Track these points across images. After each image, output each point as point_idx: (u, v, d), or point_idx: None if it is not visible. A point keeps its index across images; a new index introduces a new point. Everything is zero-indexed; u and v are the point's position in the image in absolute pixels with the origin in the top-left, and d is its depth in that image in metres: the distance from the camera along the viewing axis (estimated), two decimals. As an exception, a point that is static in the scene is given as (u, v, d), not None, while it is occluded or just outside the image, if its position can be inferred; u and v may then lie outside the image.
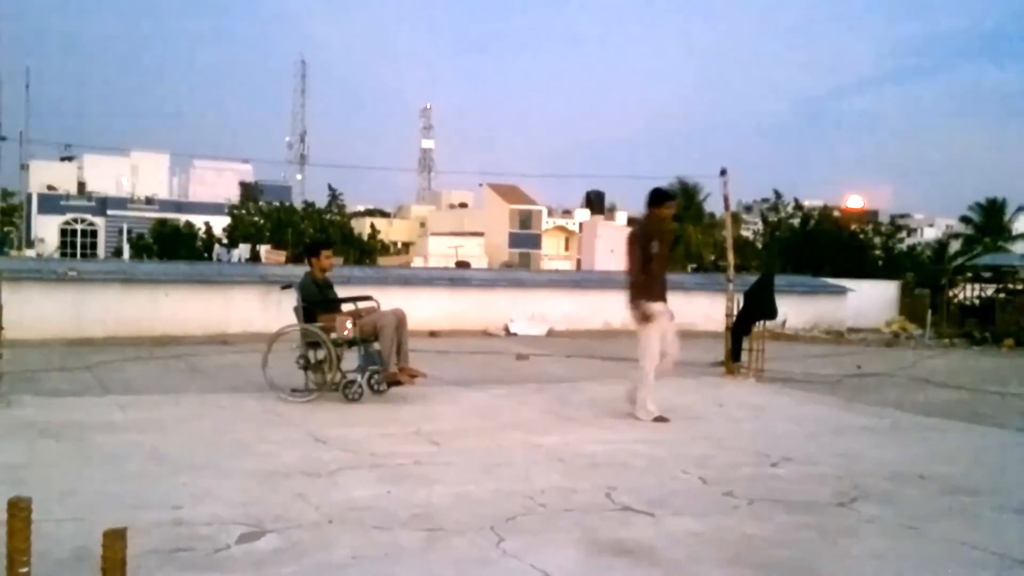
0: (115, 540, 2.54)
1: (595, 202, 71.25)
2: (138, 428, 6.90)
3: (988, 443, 7.47)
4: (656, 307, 7.95)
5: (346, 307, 8.84)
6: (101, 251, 58.02)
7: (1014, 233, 51.73)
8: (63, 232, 60.28)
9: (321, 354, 8.41)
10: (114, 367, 10.70)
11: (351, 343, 8.44)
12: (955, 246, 36.38)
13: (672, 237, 8.70)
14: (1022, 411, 9.21)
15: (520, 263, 53.54)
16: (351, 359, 8.60)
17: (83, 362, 10.90)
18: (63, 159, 63.93)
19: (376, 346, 8.46)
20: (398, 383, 8.45)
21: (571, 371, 11.70)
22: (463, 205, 72.35)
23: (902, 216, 36.54)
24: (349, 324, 8.38)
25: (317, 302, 8.67)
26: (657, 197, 8.31)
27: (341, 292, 9.13)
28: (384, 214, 72.27)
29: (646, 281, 7.96)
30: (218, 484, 5.25)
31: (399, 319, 8.50)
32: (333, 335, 8.33)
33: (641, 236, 8.24)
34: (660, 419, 7.79)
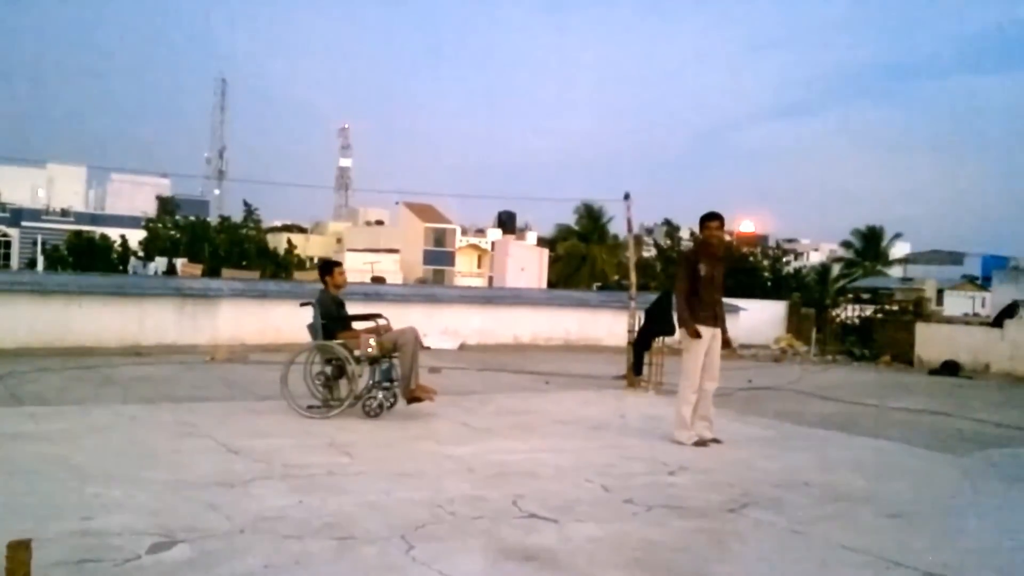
0: (19, 551, 2.43)
1: (507, 222, 71.54)
2: (49, 439, 6.61)
3: (866, 452, 7.71)
4: (701, 330, 7.56)
5: (358, 324, 8.68)
6: (15, 262, 55.69)
7: (891, 258, 53.98)
8: (-25, 242, 57.63)
9: (336, 371, 8.26)
10: (26, 378, 10.25)
11: (372, 360, 8.26)
12: (837, 269, 37.58)
13: (722, 256, 8.26)
14: (897, 422, 9.55)
15: (434, 279, 53.30)
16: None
17: (-7, 373, 10.41)
18: (-24, 170, 61.20)
19: (385, 363, 8.32)
20: (418, 400, 8.30)
21: (482, 384, 11.68)
22: (379, 222, 71.78)
23: (790, 241, 37.72)
24: (372, 341, 8.21)
25: (337, 319, 8.49)
26: (701, 219, 7.91)
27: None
28: (301, 230, 71.11)
29: (694, 303, 7.61)
30: (129, 494, 5.06)
31: (416, 337, 8.37)
32: (356, 352, 8.16)
33: (687, 258, 8.10)
34: (700, 443, 7.47)
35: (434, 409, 8.67)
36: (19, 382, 9.86)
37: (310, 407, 8.24)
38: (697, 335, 7.53)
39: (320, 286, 8.96)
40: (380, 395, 8.28)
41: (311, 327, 8.53)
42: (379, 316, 8.86)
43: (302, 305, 8.73)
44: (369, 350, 8.18)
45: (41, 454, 6.06)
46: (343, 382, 8.35)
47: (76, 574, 3.74)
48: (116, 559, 3.95)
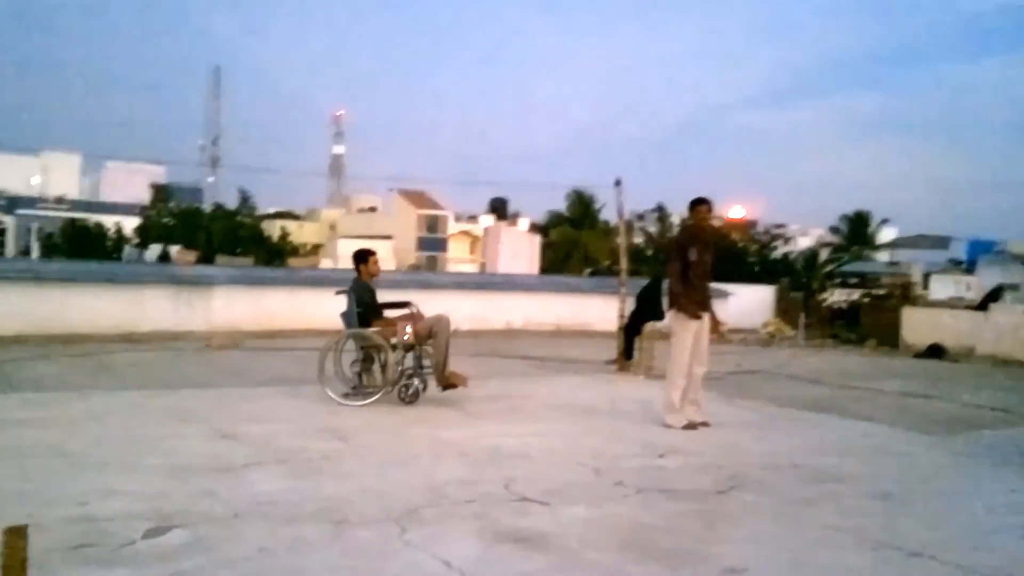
0: (16, 537, 2.43)
1: (499, 209, 71.58)
2: (45, 425, 6.59)
3: (853, 434, 7.74)
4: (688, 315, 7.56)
5: (388, 312, 8.65)
6: (10, 250, 55.43)
7: (877, 243, 54.10)
8: (-30, 230, 57.27)
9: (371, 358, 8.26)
10: (22, 365, 10.22)
11: (408, 347, 8.24)
12: (825, 254, 37.65)
13: (712, 241, 8.19)
14: (883, 405, 9.59)
15: (427, 266, 53.21)
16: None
17: (-11, 360, 10.38)
18: (-30, 158, 60.81)
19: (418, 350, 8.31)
20: (453, 386, 8.29)
21: (475, 369, 11.65)
22: (372, 209, 71.53)
23: (779, 226, 37.65)
24: (409, 329, 8.19)
25: (373, 307, 8.46)
26: (691, 204, 7.91)
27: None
28: (295, 217, 70.91)
29: (684, 289, 7.61)
30: (125, 480, 5.06)
31: (448, 324, 8.36)
32: (393, 339, 8.13)
33: (677, 244, 8.07)
34: (690, 426, 7.46)
35: (427, 394, 8.68)
36: (15, 369, 9.83)
37: (347, 394, 8.23)
38: (697, 316, 7.55)
39: (354, 274, 8.82)
40: (416, 382, 8.28)
41: (344, 315, 8.48)
42: (409, 304, 8.83)
43: (337, 293, 8.67)
44: (406, 337, 8.17)
45: (37, 440, 6.04)
46: (377, 369, 8.31)
47: (73, 559, 3.74)
48: (112, 544, 3.95)
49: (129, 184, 63.39)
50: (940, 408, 9.59)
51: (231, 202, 46.34)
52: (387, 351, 8.13)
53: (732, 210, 37.01)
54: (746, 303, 21.86)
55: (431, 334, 8.25)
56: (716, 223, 34.59)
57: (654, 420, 7.76)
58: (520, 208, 72.00)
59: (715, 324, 7.90)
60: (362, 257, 8.84)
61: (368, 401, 8.06)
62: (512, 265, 45.17)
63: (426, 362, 8.35)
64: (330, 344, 8.56)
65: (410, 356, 8.34)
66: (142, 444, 6.09)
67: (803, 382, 11.47)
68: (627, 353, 11.75)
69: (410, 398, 8.18)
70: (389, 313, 8.65)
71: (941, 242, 58.64)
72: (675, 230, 36.74)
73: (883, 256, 50.26)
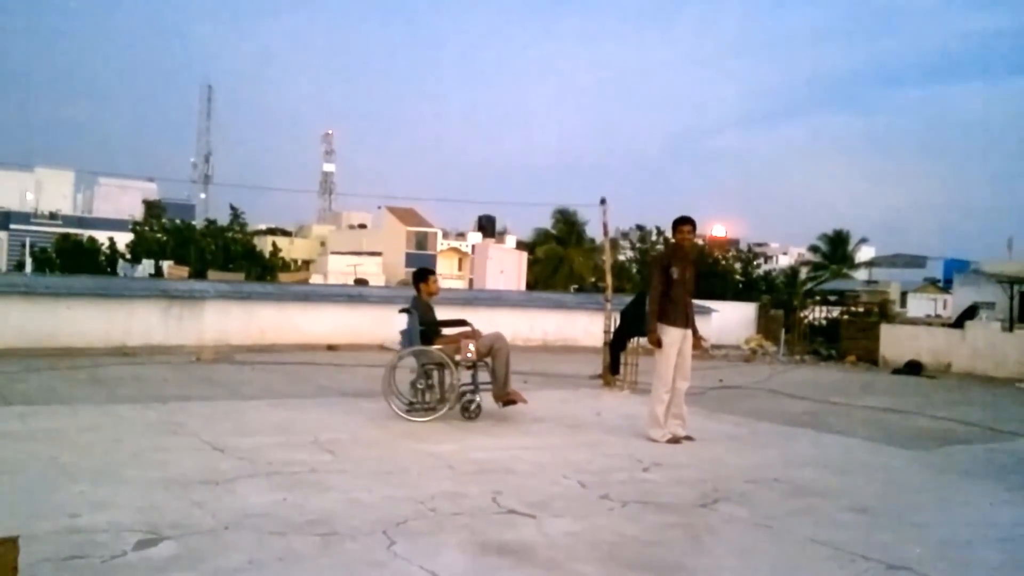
0: (7, 548, 2.40)
1: (486, 226, 71.61)
2: (37, 438, 6.53)
3: (833, 449, 7.76)
4: (671, 332, 7.60)
5: (446, 330, 8.66)
6: (3, 264, 55.03)
7: (856, 262, 54.35)
8: (-37, 245, 56.85)
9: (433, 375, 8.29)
10: (14, 378, 10.13)
11: (470, 364, 8.25)
12: (805, 272, 37.83)
13: (693, 258, 8.20)
14: (862, 420, 9.62)
15: (415, 282, 53.18)
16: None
17: (-20, 373, 10.29)
18: (-35, 174, 60.40)
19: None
20: (513, 402, 8.33)
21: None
22: (362, 226, 71.49)
23: (760, 244, 37.85)
24: (472, 347, 8.19)
25: (435, 324, 8.49)
26: (674, 223, 7.95)
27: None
28: (286, 233, 70.75)
29: (664, 306, 7.63)
30: (116, 492, 5.01)
31: (507, 342, 8.43)
32: (457, 357, 8.14)
33: (659, 262, 8.10)
34: (674, 440, 7.50)
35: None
36: (7, 382, 9.74)
37: (410, 411, 8.23)
38: (658, 344, 7.61)
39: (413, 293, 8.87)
40: (478, 397, 8.30)
41: (405, 333, 8.48)
42: (465, 322, 8.83)
43: (400, 311, 8.64)
44: (468, 355, 8.18)
45: (29, 453, 5.99)
46: (438, 385, 8.33)
47: (63, 571, 3.70)
48: (103, 555, 3.91)
49: (121, 200, 63.02)
50: (918, 423, 9.62)
51: (222, 218, 46.06)
52: (451, 368, 8.15)
53: (714, 229, 37.15)
54: (728, 320, 21.93)
55: (491, 351, 8.30)
56: (698, 242, 34.74)
57: (639, 434, 7.75)
58: (507, 226, 72.13)
59: (697, 340, 7.93)
60: (422, 276, 8.89)
61: (432, 417, 8.07)
62: (499, 281, 45.23)
63: (481, 378, 8.38)
64: (394, 361, 8.55)
65: (467, 372, 8.38)
66: (132, 456, 6.04)
67: (784, 397, 11.50)
68: (613, 368, 11.76)
69: (473, 414, 8.22)
70: (446, 331, 8.65)
71: (917, 261, 58.91)
72: (656, 248, 36.84)
73: (861, 274, 50.41)
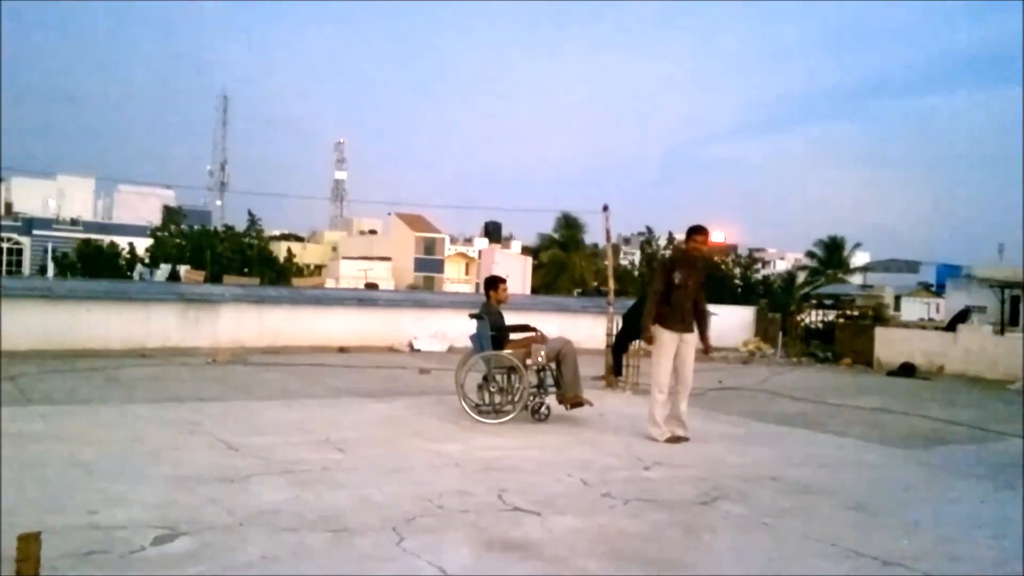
0: (29, 543, 2.41)
1: (493, 232, 71.58)
2: (58, 437, 6.55)
3: (829, 448, 7.74)
4: (664, 334, 7.58)
5: (514, 335, 8.67)
6: (27, 269, 55.22)
7: (852, 267, 54.27)
8: (-11, 250, 57.05)
9: (500, 377, 8.33)
10: (36, 378, 10.16)
11: (540, 368, 8.28)
12: (802, 277, 37.72)
13: (702, 267, 8.02)
14: (858, 421, 9.59)
15: (424, 286, 53.21)
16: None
17: (5, 373, 10.31)
18: (-9, 182, 60.65)
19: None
20: (580, 404, 8.36)
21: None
22: (373, 232, 71.59)
23: (758, 250, 37.74)
24: (543, 351, 8.21)
25: (504, 330, 8.52)
26: (688, 231, 7.88)
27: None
28: (299, 238, 70.80)
29: (661, 308, 7.61)
30: (134, 489, 5.02)
31: (573, 346, 8.46)
32: (528, 361, 8.17)
33: (664, 265, 8.09)
34: (673, 439, 7.48)
35: (423, 408, 8.65)
36: (29, 382, 9.78)
37: (482, 413, 8.24)
38: (650, 342, 7.64)
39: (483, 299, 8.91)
40: (547, 400, 8.33)
41: (475, 337, 8.49)
42: (531, 328, 8.83)
43: (471, 316, 8.64)
44: (540, 359, 8.20)
45: (50, 451, 6.01)
46: (508, 388, 8.36)
47: (83, 565, 3.71)
48: (121, 551, 3.92)
49: (140, 206, 63.18)
50: (912, 423, 9.59)
51: (239, 224, 46.10)
52: (522, 372, 8.17)
53: (713, 234, 37.08)
54: (727, 323, 21.87)
55: (559, 356, 8.32)
56: (710, 253, 34.67)
57: (640, 433, 7.74)
58: (513, 231, 72.10)
59: (707, 346, 7.92)
60: (492, 284, 8.92)
61: (504, 420, 8.08)
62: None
63: (548, 380, 8.40)
64: (466, 362, 8.59)
65: (541, 377, 8.39)
66: (150, 455, 6.05)
67: (781, 398, 11.48)
68: (616, 369, 11.75)
69: (543, 415, 8.26)
70: (514, 335, 8.66)
71: (911, 266, 58.84)
72: (662, 253, 36.79)
73: (857, 279, 50.29)
